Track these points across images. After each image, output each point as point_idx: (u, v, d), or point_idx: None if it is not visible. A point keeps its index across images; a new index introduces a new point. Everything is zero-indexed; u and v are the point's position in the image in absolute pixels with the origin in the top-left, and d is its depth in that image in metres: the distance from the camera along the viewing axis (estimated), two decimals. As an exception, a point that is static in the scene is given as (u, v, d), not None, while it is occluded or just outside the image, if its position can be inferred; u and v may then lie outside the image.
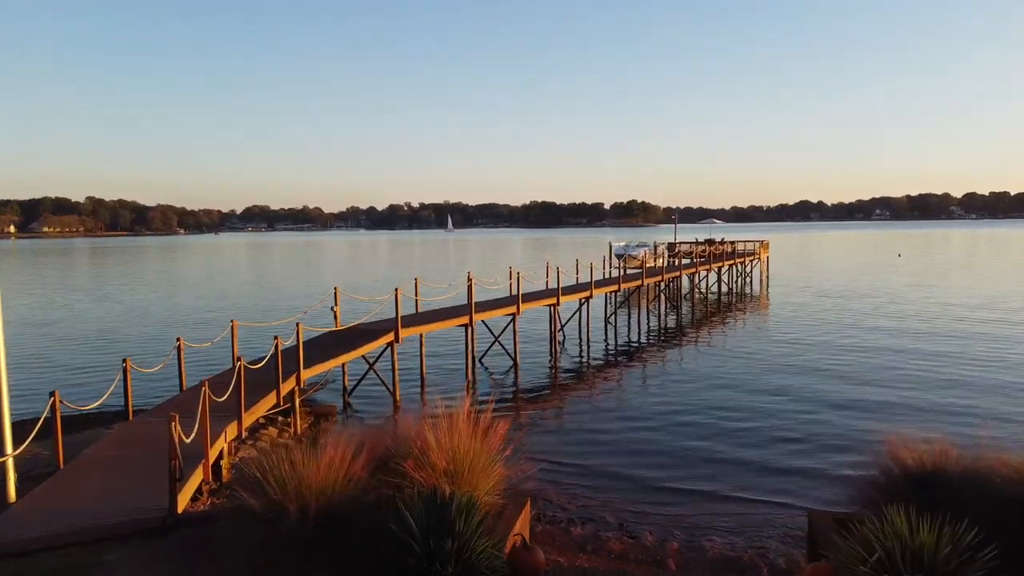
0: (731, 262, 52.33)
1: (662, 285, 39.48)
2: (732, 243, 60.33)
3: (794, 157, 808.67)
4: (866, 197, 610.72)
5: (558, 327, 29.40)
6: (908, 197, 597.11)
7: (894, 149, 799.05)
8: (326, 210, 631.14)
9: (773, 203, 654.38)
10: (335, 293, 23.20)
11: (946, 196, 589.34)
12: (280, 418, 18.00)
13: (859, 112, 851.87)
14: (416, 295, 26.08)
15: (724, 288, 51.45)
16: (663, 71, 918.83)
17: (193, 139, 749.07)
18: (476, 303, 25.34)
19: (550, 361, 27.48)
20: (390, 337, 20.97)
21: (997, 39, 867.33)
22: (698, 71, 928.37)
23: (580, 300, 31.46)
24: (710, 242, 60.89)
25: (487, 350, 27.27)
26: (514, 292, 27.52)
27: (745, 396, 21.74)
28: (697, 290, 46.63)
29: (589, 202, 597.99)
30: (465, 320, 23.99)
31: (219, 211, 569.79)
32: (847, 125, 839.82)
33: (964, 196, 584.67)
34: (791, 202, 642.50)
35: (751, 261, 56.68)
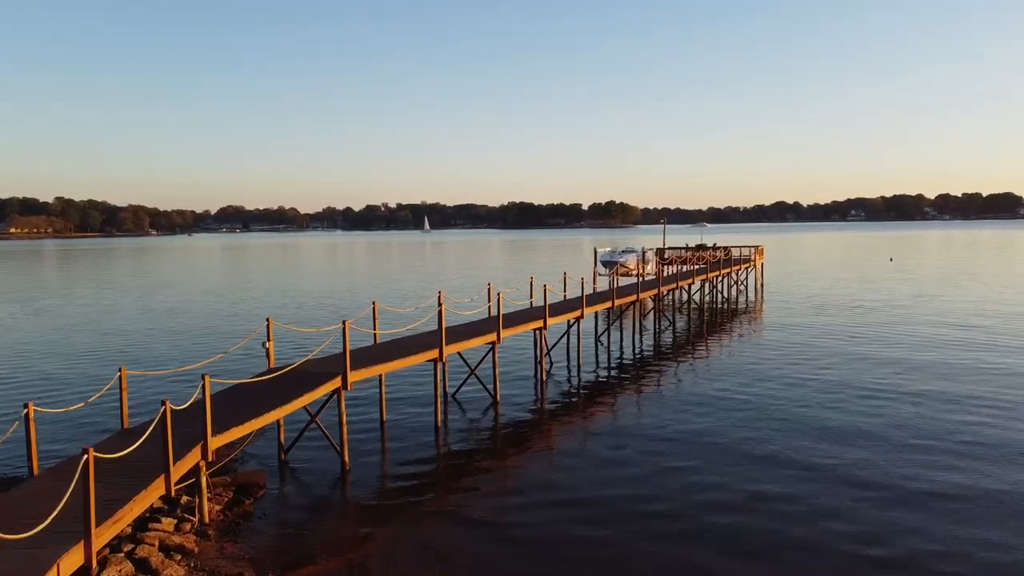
0: (728, 270, 48.29)
1: (660, 299, 35.39)
2: (725, 249, 56.25)
3: (770, 158, 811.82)
4: (841, 198, 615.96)
5: (544, 352, 25.20)
6: (883, 198, 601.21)
7: (869, 150, 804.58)
8: (302, 211, 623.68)
9: (750, 203, 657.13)
10: (268, 326, 18.43)
11: (920, 197, 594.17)
12: (185, 497, 13.56)
13: (835, 113, 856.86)
14: (375, 326, 21.53)
15: (719, 298, 47.42)
16: (640, 73, 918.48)
17: (166, 138, 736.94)
18: (448, 329, 21.03)
19: (535, 394, 23.23)
20: (336, 383, 16.48)
21: (970, 43, 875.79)
22: (675, 73, 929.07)
23: (569, 321, 27.25)
24: (702, 247, 56.80)
25: (461, 385, 22.97)
26: (493, 314, 23.29)
27: (788, 466, 16.46)
28: (693, 302, 42.51)
29: (567, 203, 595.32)
30: (434, 355, 19.53)
31: (193, 211, 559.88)
32: (823, 126, 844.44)
33: (938, 197, 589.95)
34: (768, 203, 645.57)
35: (746, 268, 52.68)
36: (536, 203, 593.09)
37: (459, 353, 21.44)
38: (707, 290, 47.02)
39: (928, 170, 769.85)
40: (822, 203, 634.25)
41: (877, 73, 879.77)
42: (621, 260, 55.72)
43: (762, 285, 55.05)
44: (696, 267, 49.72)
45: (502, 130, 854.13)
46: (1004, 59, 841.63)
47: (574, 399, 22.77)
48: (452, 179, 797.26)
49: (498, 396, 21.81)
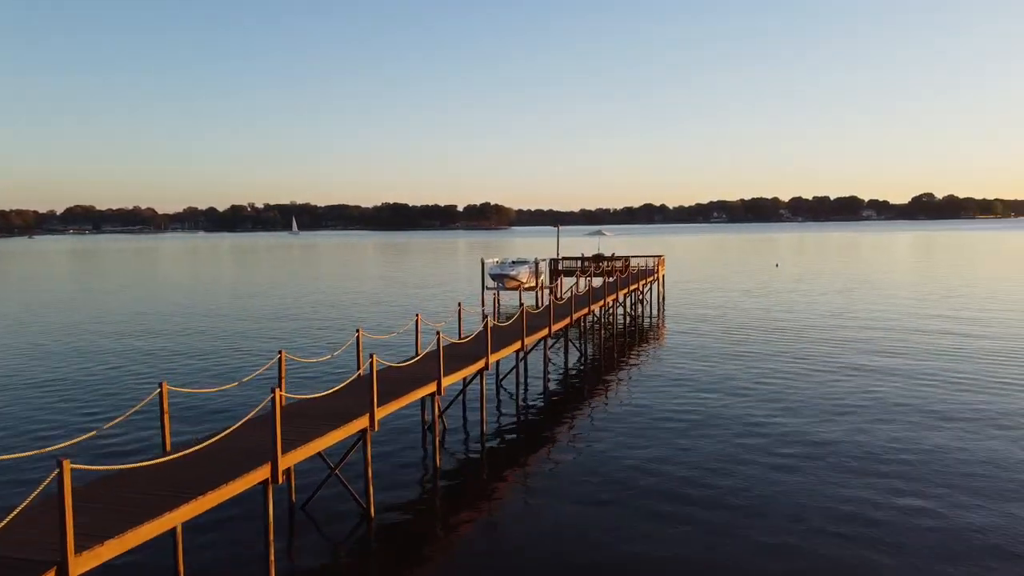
0: (635, 285, 42.82)
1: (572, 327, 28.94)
2: (626, 259, 50.96)
3: (638, 161, 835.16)
4: (705, 200, 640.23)
5: (438, 413, 18.17)
6: (743, 201, 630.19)
7: (730, 155, 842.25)
8: (160, 211, 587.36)
9: (619, 205, 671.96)
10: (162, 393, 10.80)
11: (776, 200, 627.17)
12: None
13: (698, 118, 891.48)
14: (281, 385, 14.02)
15: (626, 318, 41.93)
16: (511, 72, 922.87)
17: (4, 129, 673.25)
18: (285, 444, 13.43)
19: (421, 485, 16.26)
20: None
21: (826, 48, 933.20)
22: (546, 74, 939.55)
23: (465, 379, 20.34)
24: (599, 258, 51.26)
25: (311, 496, 15.49)
26: (366, 371, 16.18)
27: None
28: (604, 325, 36.61)
29: (442, 204, 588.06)
30: (261, 477, 11.79)
31: (35, 212, 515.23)
32: (687, 132, 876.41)
33: (791, 200, 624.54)
34: (636, 205, 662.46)
35: (651, 281, 47.44)
36: (411, 204, 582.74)
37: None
38: (618, 310, 41.36)
39: (783, 174, 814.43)
40: (687, 205, 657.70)
41: (739, 82, 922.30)
42: (512, 273, 49.69)
43: (663, 299, 50.03)
44: (599, 281, 44.09)
45: (375, 129, 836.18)
46: (851, 66, 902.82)
47: (474, 492, 16.02)
48: (324, 179, 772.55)
49: (372, 508, 14.64)
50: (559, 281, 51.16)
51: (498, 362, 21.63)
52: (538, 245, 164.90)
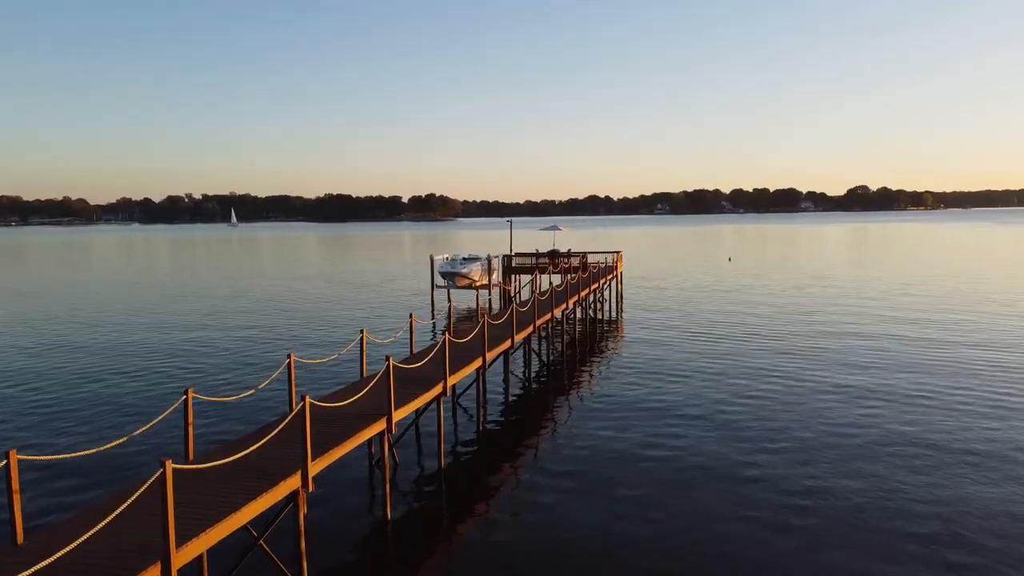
0: (596, 285, 40.30)
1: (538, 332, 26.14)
2: (583, 255, 48.36)
3: (583, 153, 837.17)
4: (648, 192, 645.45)
5: (387, 449, 15.21)
6: (685, 193, 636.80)
7: (673, 148, 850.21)
8: (92, 202, 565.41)
9: (564, 197, 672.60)
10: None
11: (717, 192, 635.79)
12: None
13: (641, 111, 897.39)
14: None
15: (587, 319, 39.44)
16: (452, 65, 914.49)
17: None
18: (178, 534, 10.61)
19: (367, 547, 13.36)
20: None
21: (759, 38, 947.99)
22: (487, 67, 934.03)
23: (418, 411, 17.46)
24: (555, 254, 48.46)
25: None
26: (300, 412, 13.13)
27: None
28: (566, 328, 34.00)
29: (387, 195, 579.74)
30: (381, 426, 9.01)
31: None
32: (631, 125, 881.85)
33: (732, 192, 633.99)
34: (581, 196, 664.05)
35: (611, 279, 45.01)
36: (354, 195, 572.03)
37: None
38: (579, 312, 38.78)
39: (724, 167, 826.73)
40: (631, 196, 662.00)
41: (681, 74, 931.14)
42: (463, 271, 46.77)
43: (621, 296, 47.75)
44: (557, 279, 41.56)
45: (318, 118, 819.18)
46: (788, 61, 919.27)
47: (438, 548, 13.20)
48: (264, 169, 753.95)
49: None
50: (514, 280, 48.45)
51: (454, 385, 18.72)
52: (489, 239, 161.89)
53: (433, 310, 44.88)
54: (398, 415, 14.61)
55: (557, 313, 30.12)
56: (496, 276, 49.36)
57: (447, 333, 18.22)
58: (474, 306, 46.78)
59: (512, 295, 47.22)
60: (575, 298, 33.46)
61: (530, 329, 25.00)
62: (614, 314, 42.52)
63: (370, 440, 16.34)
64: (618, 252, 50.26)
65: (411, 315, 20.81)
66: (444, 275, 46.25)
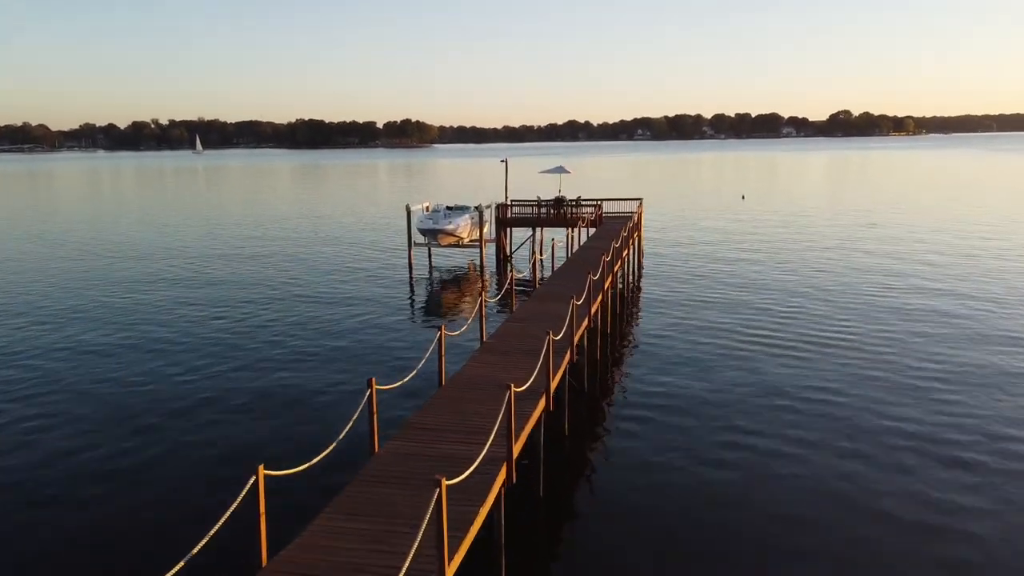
0: (630, 243, 32.22)
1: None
2: (597, 204, 40.24)
3: (562, 78, 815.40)
4: (628, 118, 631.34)
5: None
6: (666, 118, 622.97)
7: (654, 72, 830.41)
8: (54, 128, 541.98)
9: (543, 122, 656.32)
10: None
11: (699, 117, 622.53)
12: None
13: (621, 34, 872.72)
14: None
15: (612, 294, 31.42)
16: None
17: None
18: None
19: None
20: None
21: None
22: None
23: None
24: (561, 202, 40.26)
25: None
26: None
27: None
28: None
29: (360, 120, 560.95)
30: None
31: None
32: (611, 47, 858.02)
33: (713, 117, 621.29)
34: (560, 122, 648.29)
35: (636, 235, 36.76)
36: (327, 120, 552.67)
37: None
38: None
39: (705, 92, 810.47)
40: (611, 122, 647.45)
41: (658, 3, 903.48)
42: (448, 227, 37.69)
43: (641, 255, 39.22)
44: (562, 238, 33.84)
45: (289, 38, 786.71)
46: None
47: None
48: (234, 93, 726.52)
49: None
50: (509, 235, 40.31)
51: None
52: (472, 170, 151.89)
53: (411, 275, 35.82)
54: None
55: (593, 309, 21.51)
56: (488, 230, 40.63)
57: (442, 328, 11.18)
58: (464, 268, 38.34)
59: (508, 255, 39.55)
60: (617, 266, 25.67)
61: (586, 326, 17.31)
62: (632, 282, 33.39)
63: None
64: (639, 199, 42.30)
65: (441, 328, 13.11)
66: (424, 232, 37.79)
